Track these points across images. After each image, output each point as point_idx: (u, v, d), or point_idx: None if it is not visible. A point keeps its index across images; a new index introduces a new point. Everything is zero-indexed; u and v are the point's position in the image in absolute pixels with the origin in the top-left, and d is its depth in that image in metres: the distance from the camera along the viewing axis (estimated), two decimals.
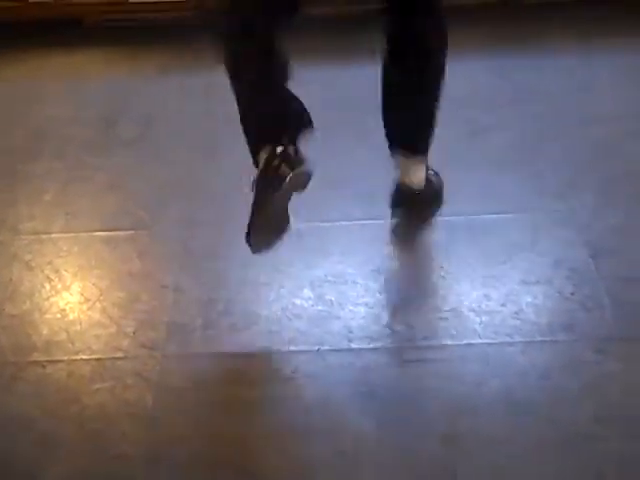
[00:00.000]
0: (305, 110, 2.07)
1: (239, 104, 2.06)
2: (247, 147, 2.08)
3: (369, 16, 3.36)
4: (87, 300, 2.14)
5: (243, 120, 2.08)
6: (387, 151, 2.28)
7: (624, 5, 3.39)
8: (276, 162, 1.96)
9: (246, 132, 2.08)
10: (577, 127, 2.71)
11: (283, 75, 2.04)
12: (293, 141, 2.01)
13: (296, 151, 2.00)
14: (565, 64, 3.10)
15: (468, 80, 2.74)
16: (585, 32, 3.27)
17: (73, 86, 3.16)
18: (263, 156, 1.98)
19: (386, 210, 2.39)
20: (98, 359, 1.97)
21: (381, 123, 2.25)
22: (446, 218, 2.36)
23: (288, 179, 1.96)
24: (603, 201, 2.38)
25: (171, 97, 3.01)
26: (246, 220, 1.98)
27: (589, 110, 2.80)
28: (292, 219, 2.12)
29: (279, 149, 1.97)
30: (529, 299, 2.07)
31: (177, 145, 2.74)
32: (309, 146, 2.03)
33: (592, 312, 2.02)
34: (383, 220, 2.35)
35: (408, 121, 2.21)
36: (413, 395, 1.86)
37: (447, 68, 2.16)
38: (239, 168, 2.56)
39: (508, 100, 2.88)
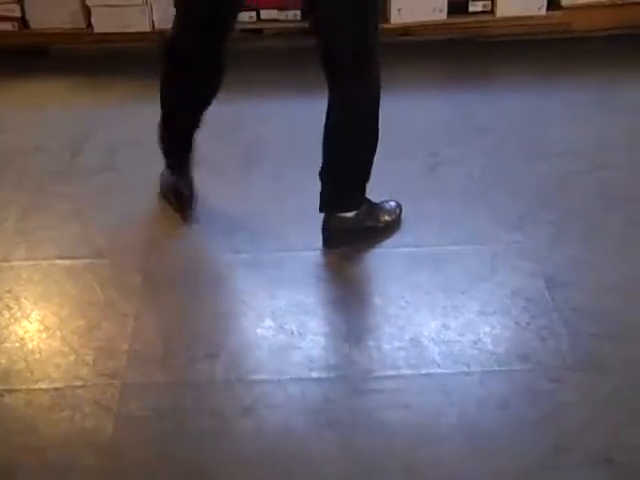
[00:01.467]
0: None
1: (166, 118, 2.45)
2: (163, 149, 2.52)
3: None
4: (47, 329, 2.13)
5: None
6: None
7: (579, 43, 3.49)
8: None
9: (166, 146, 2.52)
10: (532, 161, 2.78)
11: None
12: None
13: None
14: (521, 100, 3.17)
15: (429, 114, 2.79)
16: (542, 69, 3.36)
17: (37, 115, 3.16)
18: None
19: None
20: (57, 388, 1.96)
21: None
22: (407, 249, 2.39)
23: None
24: (558, 234, 2.44)
25: (134, 127, 3.02)
26: (207, 251, 2.35)
27: (544, 145, 2.87)
28: (253, 250, 2.29)
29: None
30: (487, 329, 2.10)
31: (139, 175, 2.74)
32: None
33: (548, 342, 2.05)
34: (341, 251, 2.38)
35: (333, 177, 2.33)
36: (373, 425, 1.87)
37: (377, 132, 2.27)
38: (199, 199, 2.59)
39: (466, 134, 2.93)
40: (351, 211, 2.37)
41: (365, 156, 2.31)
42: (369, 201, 2.41)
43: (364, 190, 2.39)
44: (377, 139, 2.29)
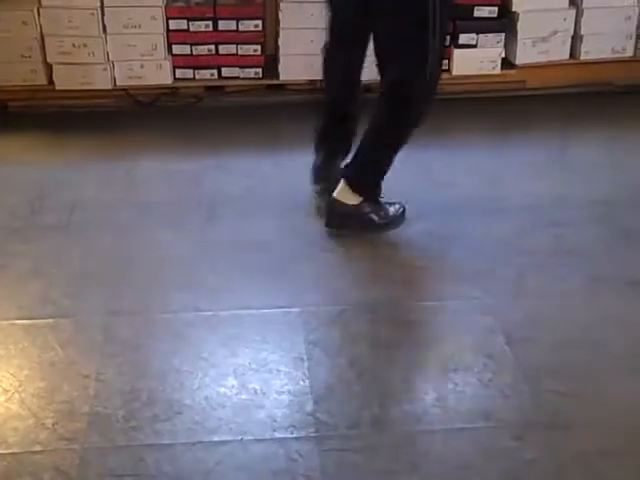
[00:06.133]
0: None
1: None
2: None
3: (291, 105, 3.49)
4: (5, 391, 2.09)
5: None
6: (313, 241, 2.68)
7: (534, 101, 3.58)
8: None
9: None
10: (490, 217, 2.82)
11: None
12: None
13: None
14: (479, 156, 3.23)
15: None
16: (498, 126, 3.44)
17: None
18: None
19: (308, 298, 2.43)
20: (14, 453, 1.92)
21: (303, 210, 2.78)
22: (369, 307, 2.40)
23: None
24: (517, 289, 2.47)
25: (94, 184, 3.02)
26: (167, 309, 2.37)
27: (501, 201, 2.92)
28: (214, 307, 2.32)
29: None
30: (450, 386, 2.11)
31: (100, 232, 2.73)
32: None
33: (510, 399, 2.07)
34: (304, 308, 2.38)
35: (355, 153, 2.70)
36: None
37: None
38: (160, 257, 2.58)
39: (425, 190, 2.97)
40: (351, 186, 2.64)
41: (375, 155, 2.64)
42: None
43: (369, 185, 2.68)
44: (394, 150, 2.60)
